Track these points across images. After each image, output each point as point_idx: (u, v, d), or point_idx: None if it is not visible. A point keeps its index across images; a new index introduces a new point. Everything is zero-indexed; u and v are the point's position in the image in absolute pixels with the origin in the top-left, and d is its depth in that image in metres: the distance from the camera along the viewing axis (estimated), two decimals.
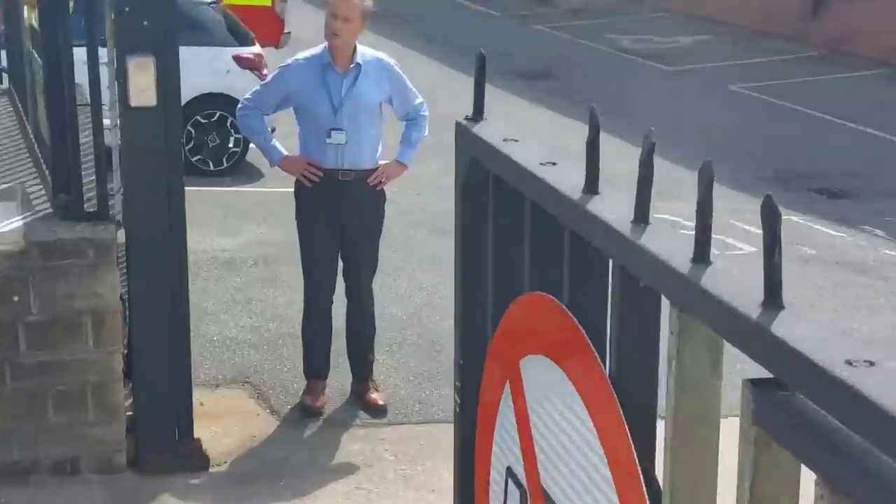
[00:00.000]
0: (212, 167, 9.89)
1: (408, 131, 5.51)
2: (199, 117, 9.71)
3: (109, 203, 4.55)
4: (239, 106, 5.44)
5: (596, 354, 1.47)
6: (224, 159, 9.95)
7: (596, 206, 1.55)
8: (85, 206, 4.53)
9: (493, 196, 1.87)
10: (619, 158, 11.47)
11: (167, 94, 4.42)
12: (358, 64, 5.25)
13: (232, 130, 9.86)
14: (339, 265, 5.44)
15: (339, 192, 5.27)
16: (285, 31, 13.57)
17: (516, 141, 1.84)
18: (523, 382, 1.62)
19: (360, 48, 5.30)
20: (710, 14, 18.63)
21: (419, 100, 5.50)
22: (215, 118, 9.87)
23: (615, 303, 1.45)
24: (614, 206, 1.53)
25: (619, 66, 16.44)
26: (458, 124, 2.06)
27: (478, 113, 1.96)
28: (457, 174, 2.06)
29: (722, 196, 10.60)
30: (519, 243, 1.75)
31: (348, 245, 5.38)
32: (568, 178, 1.63)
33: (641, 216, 1.45)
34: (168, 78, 4.42)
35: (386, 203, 5.48)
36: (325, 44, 5.29)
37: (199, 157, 9.80)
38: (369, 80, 5.28)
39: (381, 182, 5.37)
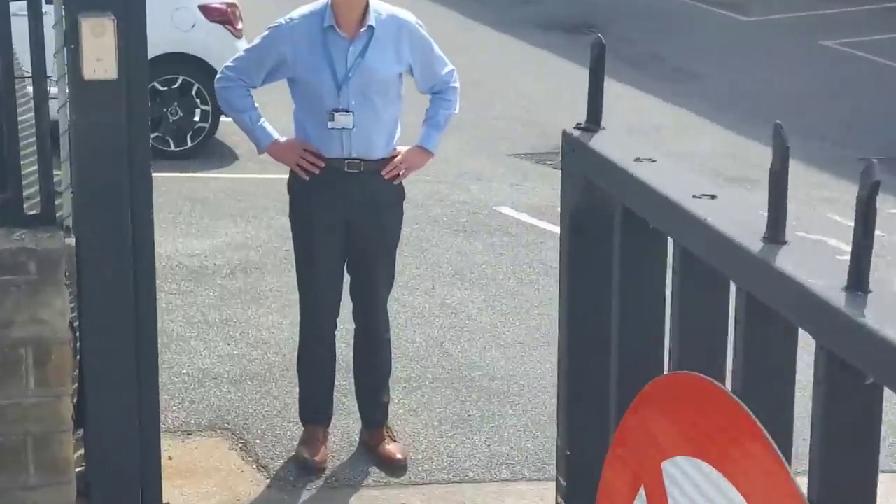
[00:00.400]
0: (173, 147, 9.83)
1: (434, 109, 5.43)
2: (156, 84, 9.63)
3: (56, 203, 4.46)
4: (218, 76, 5.35)
5: (786, 466, 1.34)
6: (188, 137, 9.89)
7: (786, 260, 1.42)
8: (25, 207, 4.43)
9: (619, 235, 1.74)
10: (690, 133, 11.40)
11: (132, 63, 4.32)
12: (370, 26, 5.15)
13: (198, 100, 9.77)
14: (344, 279, 5.37)
15: (344, 186, 5.20)
16: None
17: (653, 161, 1.71)
18: (667, 493, 1.49)
19: (374, 4, 5.20)
20: None
21: (448, 68, 5.40)
22: (177, 85, 9.79)
23: (820, 397, 1.32)
24: (812, 262, 1.41)
25: (683, 15, 16.34)
26: (566, 135, 1.93)
27: (594, 120, 1.83)
28: (564, 202, 1.94)
29: (816, 182, 10.52)
30: (658, 303, 1.62)
31: (357, 254, 5.31)
32: (737, 217, 1.50)
33: (858, 282, 1.32)
34: (133, 43, 4.32)
35: (405, 200, 5.39)
36: None
37: (156, 134, 9.71)
38: (384, 47, 5.17)
39: (398, 175, 5.28)
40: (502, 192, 9.54)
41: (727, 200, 1.62)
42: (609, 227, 1.79)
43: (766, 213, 1.47)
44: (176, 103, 9.80)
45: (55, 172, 4.51)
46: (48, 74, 4.43)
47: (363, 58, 5.15)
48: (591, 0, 16.85)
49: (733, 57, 14.49)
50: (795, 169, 9.90)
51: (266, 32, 5.27)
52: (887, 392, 1.27)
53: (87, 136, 4.33)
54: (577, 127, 1.98)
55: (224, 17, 9.90)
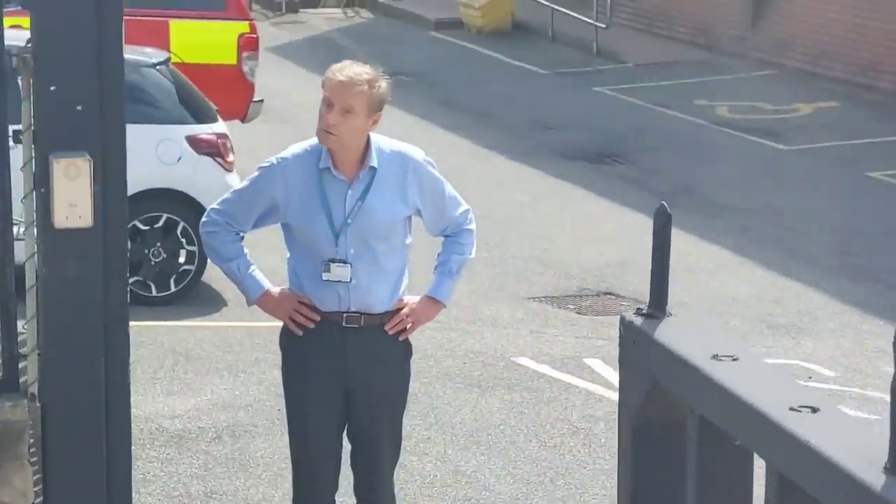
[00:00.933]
0: (155, 292, 9.72)
1: (446, 254, 5.34)
2: (137, 223, 9.56)
3: (20, 367, 4.40)
4: (203, 220, 5.26)
5: None
6: (172, 281, 9.78)
7: None
8: None
9: (695, 451, 1.58)
10: (728, 274, 11.25)
11: (109, 209, 4.30)
12: (371, 168, 5.06)
13: (183, 240, 9.69)
14: (343, 447, 5.22)
15: (342, 343, 5.10)
16: (255, 98, 13.51)
17: (735, 359, 1.56)
18: None
19: (376, 141, 5.14)
20: (837, 72, 18.59)
21: (462, 208, 5.32)
22: (160, 224, 9.71)
23: None
24: None
25: (715, 143, 16.35)
26: (625, 323, 1.79)
27: (658, 304, 1.69)
28: (624, 404, 1.78)
29: (869, 331, 10.36)
30: None
31: (358, 422, 5.19)
32: (848, 437, 1.34)
33: None
34: (111, 185, 4.30)
35: (412, 358, 5.26)
36: None
37: (137, 278, 9.60)
38: (387, 189, 5.10)
39: (404, 329, 5.17)
40: (521, 341, 9.39)
41: (832, 415, 1.47)
42: (681, 438, 1.63)
43: (885, 434, 1.32)
44: (159, 244, 9.71)
45: (19, 332, 4.43)
46: (14, 221, 4.37)
47: (363, 201, 5.06)
48: (616, 128, 16.86)
49: (772, 189, 14.42)
50: (846, 315, 9.65)
51: (256, 173, 5.20)
52: None
53: (58, 292, 4.29)
54: (639, 313, 1.84)
55: (213, 149, 9.85)
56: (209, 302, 9.79)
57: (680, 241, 12.49)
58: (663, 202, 1.92)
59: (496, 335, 9.50)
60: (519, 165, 15.10)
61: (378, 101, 5.04)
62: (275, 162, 5.15)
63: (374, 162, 5.08)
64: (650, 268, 1.89)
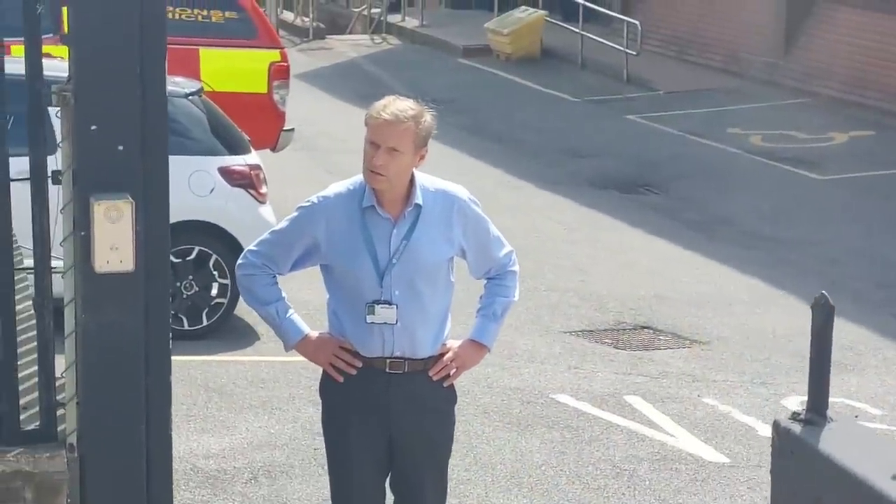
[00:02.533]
0: (186, 326, 9.61)
1: (489, 297, 5.21)
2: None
3: (58, 414, 4.34)
4: (239, 262, 5.12)
5: None
6: (204, 315, 9.68)
7: None
8: (22, 420, 4.31)
9: None
10: (767, 308, 11.05)
11: (151, 253, 4.21)
12: (416, 205, 4.91)
13: (216, 273, 9.58)
14: (386, 497, 5.10)
15: (385, 390, 4.97)
16: (286, 127, 13.42)
17: None
18: None
19: (420, 179, 5.00)
20: (871, 101, 18.44)
21: (506, 250, 5.20)
22: (192, 256, 9.61)
23: None
24: None
25: (749, 173, 16.23)
26: (778, 428, 1.62)
27: (817, 408, 1.51)
28: None
29: None
30: None
31: (401, 472, 5.07)
32: None
33: None
34: (153, 228, 4.22)
35: (457, 404, 5.12)
36: None
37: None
38: (432, 228, 4.97)
39: (448, 375, 5.06)
40: (559, 377, 9.22)
41: None
42: None
43: None
44: (191, 277, 9.60)
45: (57, 380, 4.32)
46: (53, 266, 4.27)
47: (409, 240, 4.91)
48: (648, 156, 16.73)
49: (808, 220, 14.26)
50: (890, 351, 9.38)
51: (295, 213, 5.04)
52: None
53: (98, 339, 4.19)
54: (795, 418, 1.65)
55: (246, 181, 9.73)
56: (242, 336, 9.68)
57: (716, 272, 12.36)
58: (824, 292, 1.74)
59: (534, 371, 9.33)
60: (549, 194, 14.97)
61: (424, 136, 4.90)
62: (316, 201, 5.00)
63: (418, 199, 4.94)
64: (809, 361, 1.72)
